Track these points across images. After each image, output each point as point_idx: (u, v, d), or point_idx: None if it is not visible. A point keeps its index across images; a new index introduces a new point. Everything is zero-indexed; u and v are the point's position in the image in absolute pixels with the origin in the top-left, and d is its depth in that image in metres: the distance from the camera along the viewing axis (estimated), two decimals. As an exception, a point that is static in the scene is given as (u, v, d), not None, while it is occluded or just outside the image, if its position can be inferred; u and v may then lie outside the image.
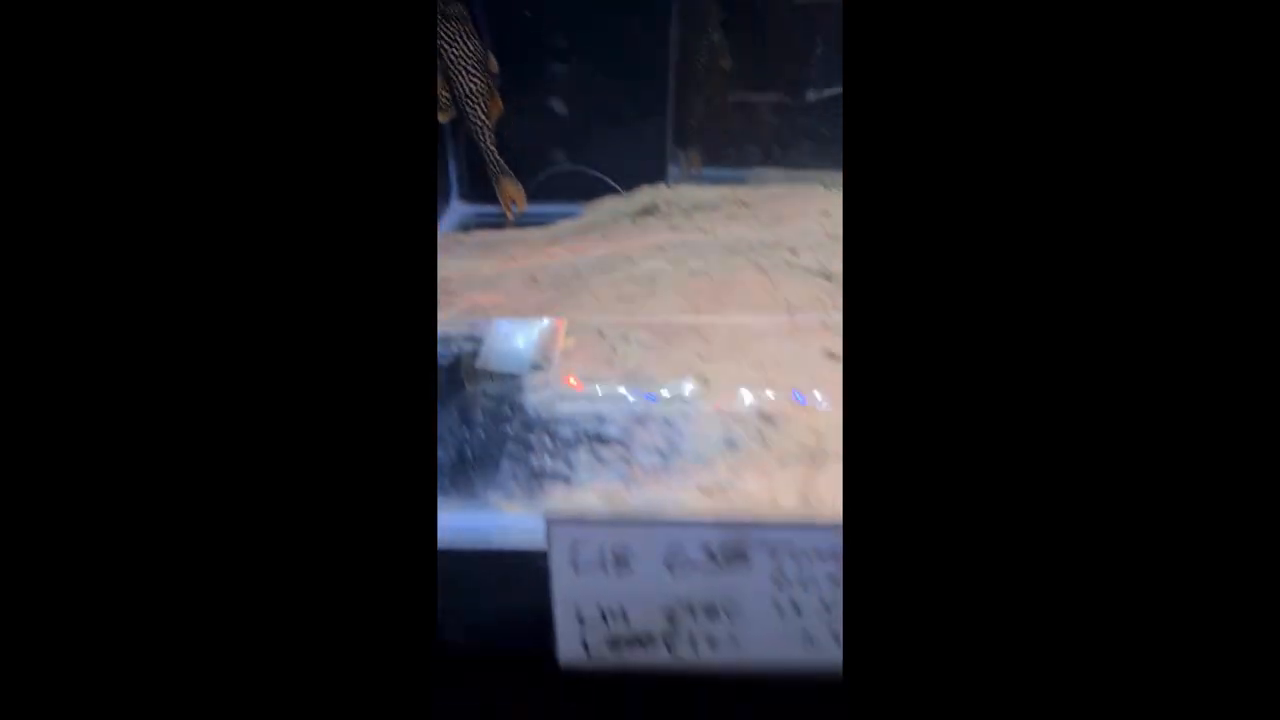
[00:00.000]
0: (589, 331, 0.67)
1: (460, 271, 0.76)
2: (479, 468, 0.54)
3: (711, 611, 0.50)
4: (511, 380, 0.64)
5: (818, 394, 0.58)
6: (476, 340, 0.68)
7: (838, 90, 0.98)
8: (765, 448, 0.54)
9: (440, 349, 0.67)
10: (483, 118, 0.88)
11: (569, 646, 0.52)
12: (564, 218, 0.91)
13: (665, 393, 0.60)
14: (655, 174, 1.00)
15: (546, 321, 0.69)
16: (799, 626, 0.50)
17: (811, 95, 1.00)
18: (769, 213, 0.81)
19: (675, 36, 0.94)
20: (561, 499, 0.52)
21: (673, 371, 0.62)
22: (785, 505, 0.49)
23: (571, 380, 0.62)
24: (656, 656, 0.52)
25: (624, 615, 0.50)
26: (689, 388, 0.61)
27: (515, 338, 0.69)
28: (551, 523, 0.46)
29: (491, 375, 0.65)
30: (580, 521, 0.46)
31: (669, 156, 1.02)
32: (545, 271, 0.76)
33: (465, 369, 0.67)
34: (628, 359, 0.65)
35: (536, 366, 0.65)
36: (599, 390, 0.61)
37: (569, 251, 0.80)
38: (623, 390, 0.61)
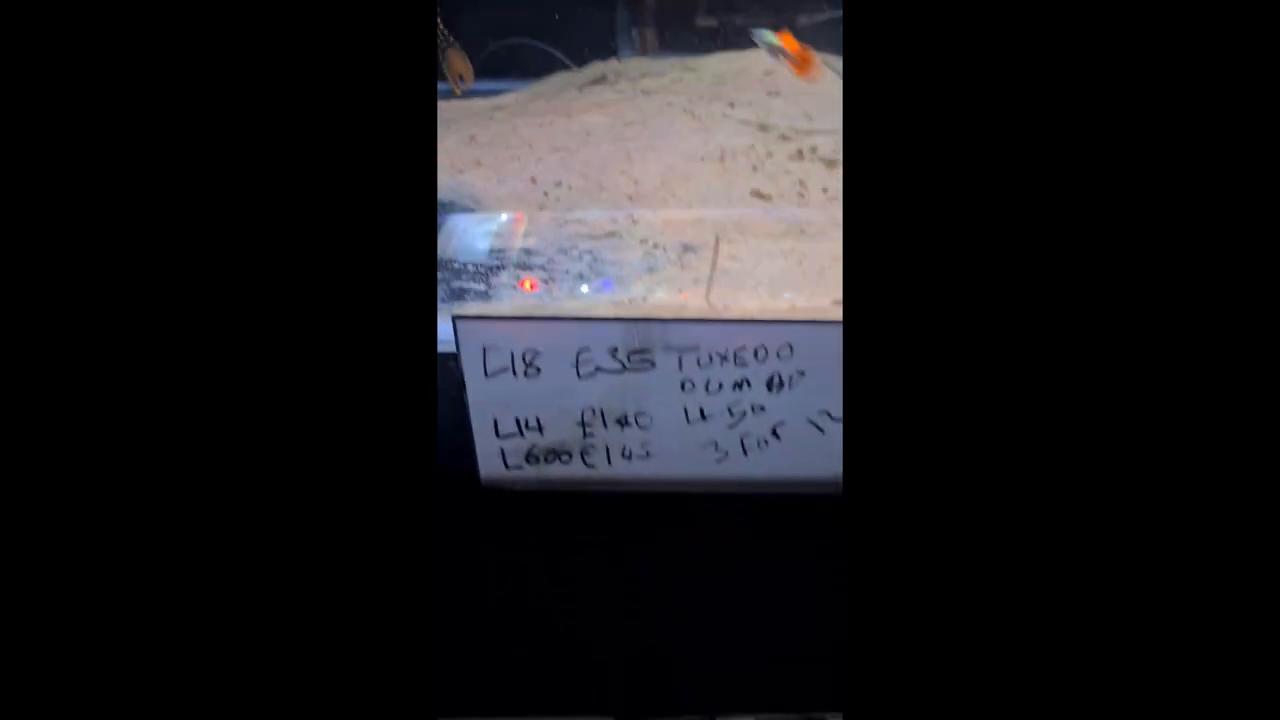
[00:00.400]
0: (523, 179, 0.68)
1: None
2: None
3: (623, 420, 0.51)
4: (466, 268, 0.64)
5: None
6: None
7: (834, 14, 0.96)
8: (682, 270, 0.55)
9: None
10: (427, -16, 0.86)
11: (488, 461, 0.53)
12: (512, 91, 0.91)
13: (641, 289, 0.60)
14: (608, 53, 0.99)
15: (505, 216, 0.69)
16: (708, 436, 0.51)
17: (803, 20, 0.99)
18: (712, 75, 0.81)
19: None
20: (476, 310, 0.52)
21: (603, 211, 0.63)
22: (691, 311, 0.50)
23: (527, 284, 0.62)
24: (573, 469, 0.53)
25: (539, 426, 0.51)
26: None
27: (473, 231, 0.69)
28: (458, 320, 0.47)
29: (447, 264, 0.65)
30: (487, 319, 0.47)
31: (620, 36, 1.01)
32: (484, 131, 0.76)
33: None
34: (559, 202, 0.65)
35: (493, 257, 0.65)
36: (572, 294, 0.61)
37: (510, 114, 0.80)
38: (585, 289, 0.60)
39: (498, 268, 0.57)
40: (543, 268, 0.57)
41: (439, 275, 0.57)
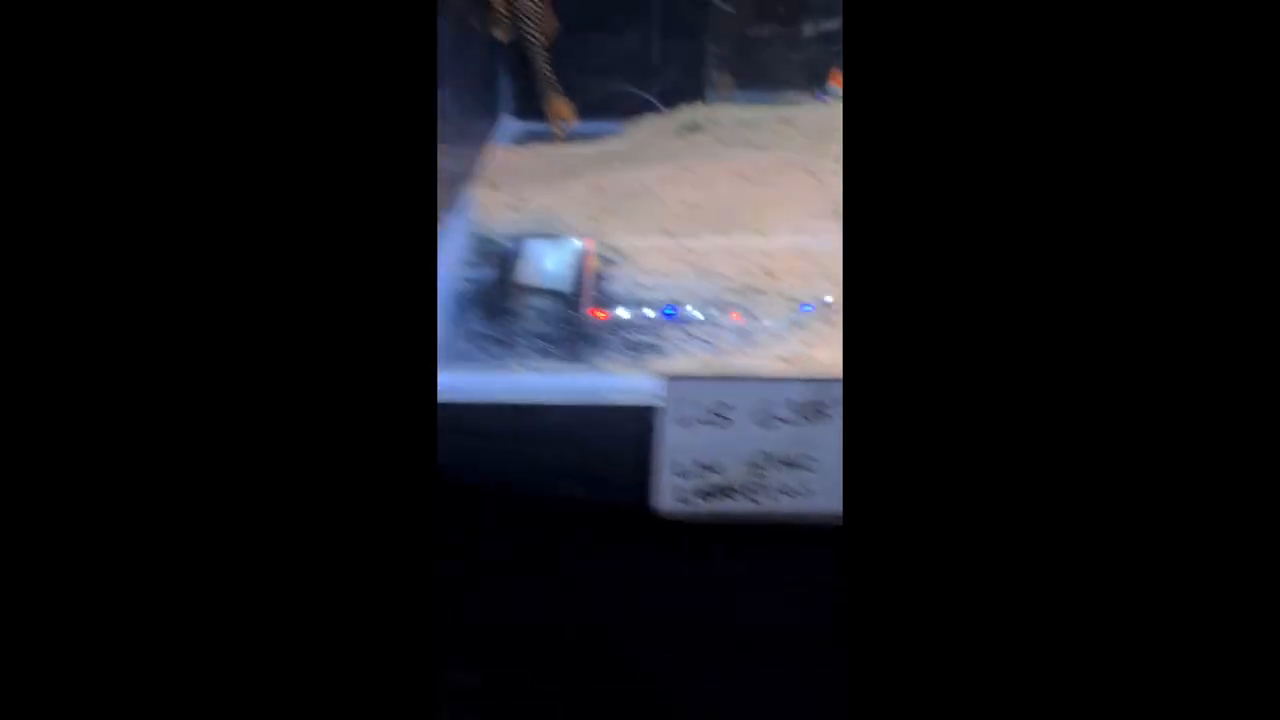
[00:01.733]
0: (657, 231, 0.74)
1: (518, 180, 0.83)
2: (585, 342, 0.62)
3: (790, 463, 0.58)
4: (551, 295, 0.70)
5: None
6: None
7: (835, 24, 1.02)
8: (830, 326, 0.62)
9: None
10: (539, 36, 0.93)
11: (668, 496, 0.60)
12: (608, 134, 0.97)
13: (694, 311, 0.66)
14: (692, 94, 1.05)
15: (577, 244, 0.75)
16: (866, 476, 0.58)
17: (809, 29, 1.05)
18: (813, 129, 0.87)
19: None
20: (661, 366, 0.59)
21: (739, 272, 0.69)
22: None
23: (597, 313, 0.67)
24: (738, 504, 0.60)
25: (717, 468, 0.58)
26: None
27: (545, 258, 0.74)
28: (670, 380, 0.54)
29: (530, 289, 0.71)
30: (692, 379, 0.54)
31: (704, 79, 1.07)
32: (605, 179, 0.82)
33: (509, 284, 0.72)
34: (692, 252, 0.71)
35: (568, 285, 0.71)
36: (624, 313, 0.67)
37: (626, 164, 0.86)
38: (648, 313, 0.66)
39: (660, 323, 0.64)
40: (701, 321, 0.64)
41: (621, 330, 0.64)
